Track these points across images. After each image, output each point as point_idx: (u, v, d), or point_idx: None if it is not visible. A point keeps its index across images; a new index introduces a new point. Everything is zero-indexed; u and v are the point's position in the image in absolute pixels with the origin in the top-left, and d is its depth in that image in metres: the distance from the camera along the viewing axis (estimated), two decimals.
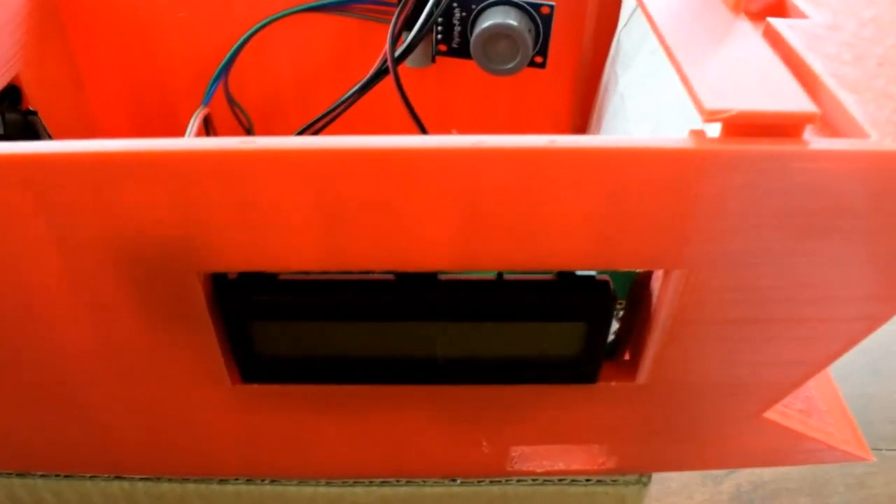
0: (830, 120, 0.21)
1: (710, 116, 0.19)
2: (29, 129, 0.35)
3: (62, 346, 0.24)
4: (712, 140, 0.19)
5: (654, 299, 0.24)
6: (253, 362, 0.25)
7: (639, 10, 0.31)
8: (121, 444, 0.29)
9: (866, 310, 0.24)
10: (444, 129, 0.35)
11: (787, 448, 0.30)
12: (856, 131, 0.20)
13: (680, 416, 0.27)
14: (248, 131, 0.38)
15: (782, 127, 0.19)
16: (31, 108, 0.34)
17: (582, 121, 0.38)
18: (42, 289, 0.23)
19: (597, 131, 0.35)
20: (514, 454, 0.29)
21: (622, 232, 0.21)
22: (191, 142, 0.19)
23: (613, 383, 0.26)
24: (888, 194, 0.20)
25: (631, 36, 0.32)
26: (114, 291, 0.22)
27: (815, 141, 0.19)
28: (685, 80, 0.21)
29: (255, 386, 0.25)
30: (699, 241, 0.21)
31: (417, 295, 0.23)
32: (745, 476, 0.49)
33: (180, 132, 0.39)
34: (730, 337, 0.24)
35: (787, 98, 0.20)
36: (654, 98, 0.29)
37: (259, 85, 0.38)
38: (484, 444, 0.28)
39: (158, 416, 0.27)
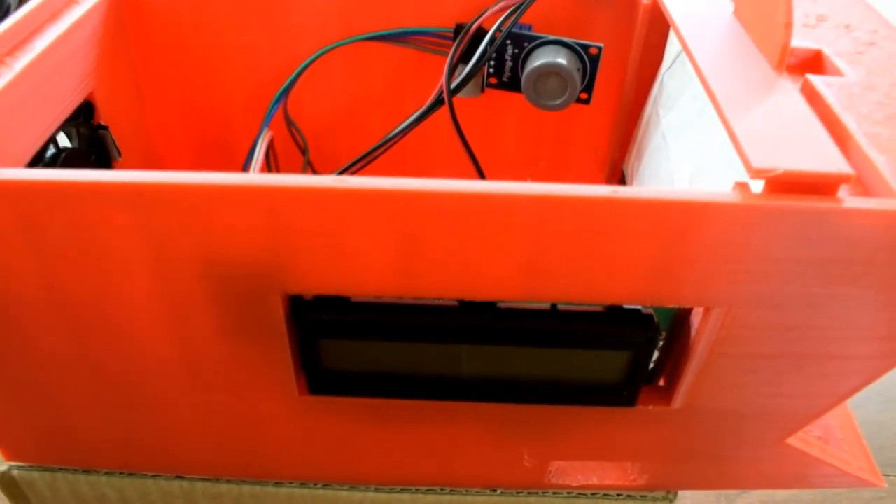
0: (864, 178, 0.23)
1: (756, 174, 0.21)
2: (99, 142, 0.37)
3: (142, 353, 0.27)
4: (757, 196, 0.21)
5: (693, 332, 0.26)
6: (320, 376, 0.27)
7: (682, 55, 0.33)
8: (185, 446, 0.31)
9: (888, 349, 0.26)
10: (491, 156, 0.37)
11: (805, 472, 0.32)
12: (886, 191, 0.22)
13: (709, 439, 0.29)
14: (304, 151, 0.40)
15: (820, 185, 0.21)
16: (102, 123, 0.37)
17: (620, 154, 0.40)
18: (131, 300, 0.25)
19: (637, 165, 0.37)
20: (552, 468, 0.31)
21: (671, 273, 0.23)
22: (286, 178, 0.21)
23: (650, 407, 0.28)
24: None
25: (674, 79, 0.34)
26: (199, 306, 0.24)
27: (848, 199, 0.21)
28: (732, 136, 0.23)
29: (320, 397, 0.27)
30: (739, 283, 0.23)
31: (477, 321, 0.25)
32: (756, 494, 0.51)
33: (236, 149, 0.42)
34: (761, 370, 0.26)
35: (825, 158, 0.22)
36: (697, 142, 0.31)
37: (315, 107, 0.40)
38: (526, 458, 0.30)
39: (225, 421, 0.29)
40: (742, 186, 0.22)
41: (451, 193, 0.21)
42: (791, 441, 0.30)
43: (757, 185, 0.22)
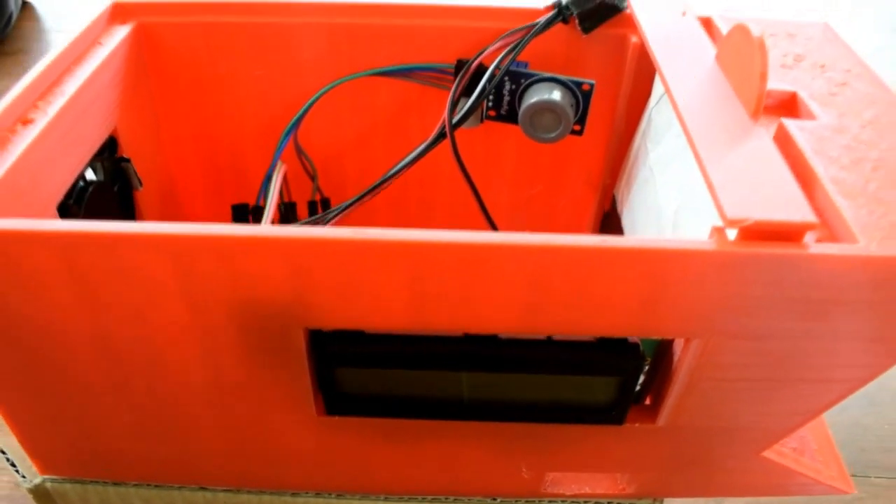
0: (829, 223, 0.26)
1: (730, 224, 0.24)
2: (122, 173, 0.39)
3: (174, 379, 0.29)
4: (731, 243, 0.24)
5: (676, 359, 0.28)
6: (336, 398, 0.29)
7: (666, 96, 0.35)
8: (209, 459, 0.33)
9: (855, 373, 0.28)
10: (491, 182, 0.39)
11: (782, 482, 0.34)
12: (848, 236, 0.25)
13: (691, 452, 0.32)
14: (313, 178, 0.42)
15: (788, 233, 0.24)
16: (124, 157, 0.39)
17: (612, 180, 0.43)
18: (166, 335, 0.27)
19: (627, 194, 0.40)
20: (548, 479, 0.33)
21: (655, 309, 0.25)
22: (309, 230, 0.24)
23: (637, 425, 0.30)
24: (871, 288, 0.24)
25: (661, 115, 0.36)
26: (228, 339, 0.27)
27: (813, 246, 0.24)
28: (709, 184, 0.26)
29: (335, 417, 0.30)
30: (717, 318, 0.26)
31: (480, 350, 0.27)
32: (742, 501, 0.53)
33: (247, 175, 0.44)
34: (739, 392, 0.29)
35: (793, 207, 0.25)
36: (681, 176, 0.33)
37: (324, 136, 0.43)
38: (523, 470, 0.33)
39: (247, 438, 0.32)
40: (718, 232, 0.24)
41: (455, 244, 0.24)
42: (767, 454, 0.32)
43: (731, 232, 0.24)
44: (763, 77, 0.29)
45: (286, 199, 0.42)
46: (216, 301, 0.26)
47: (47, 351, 0.28)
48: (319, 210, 0.42)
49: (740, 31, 0.30)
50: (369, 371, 0.28)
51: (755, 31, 0.30)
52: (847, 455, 0.37)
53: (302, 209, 0.43)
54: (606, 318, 0.26)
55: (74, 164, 0.34)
